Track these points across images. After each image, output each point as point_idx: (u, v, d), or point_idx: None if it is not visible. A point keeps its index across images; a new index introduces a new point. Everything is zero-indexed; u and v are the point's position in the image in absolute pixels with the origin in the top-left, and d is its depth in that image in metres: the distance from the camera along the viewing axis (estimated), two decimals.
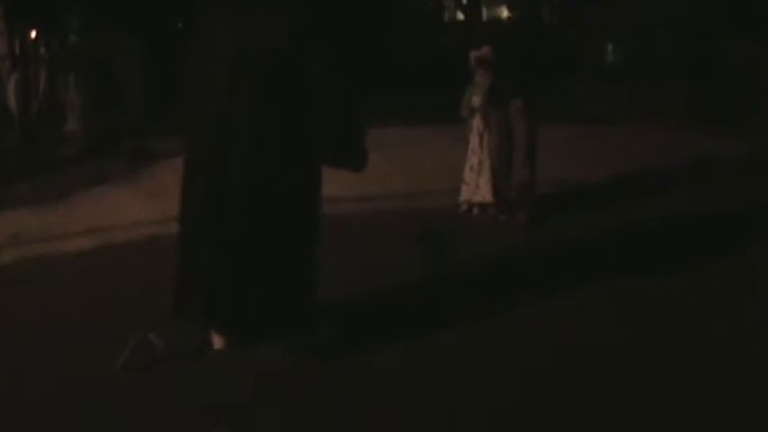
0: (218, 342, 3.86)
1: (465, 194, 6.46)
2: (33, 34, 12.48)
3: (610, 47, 17.38)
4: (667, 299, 4.48)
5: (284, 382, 3.60)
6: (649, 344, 3.92)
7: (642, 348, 3.87)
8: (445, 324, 4.15)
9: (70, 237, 5.97)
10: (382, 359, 3.77)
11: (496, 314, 4.29)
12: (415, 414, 3.30)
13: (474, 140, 6.39)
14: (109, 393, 3.52)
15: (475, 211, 6.42)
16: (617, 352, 3.83)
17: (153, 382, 3.61)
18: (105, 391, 3.54)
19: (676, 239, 5.63)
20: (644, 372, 3.62)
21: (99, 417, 3.33)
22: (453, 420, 3.25)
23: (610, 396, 3.42)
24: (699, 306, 4.37)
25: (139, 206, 6.77)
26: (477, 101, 6.32)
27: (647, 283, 4.71)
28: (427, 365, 3.73)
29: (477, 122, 6.36)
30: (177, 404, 3.42)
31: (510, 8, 6.73)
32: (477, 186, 6.36)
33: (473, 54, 6.29)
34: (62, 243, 5.84)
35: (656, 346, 3.90)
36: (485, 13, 18.43)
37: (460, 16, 19.62)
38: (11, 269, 5.38)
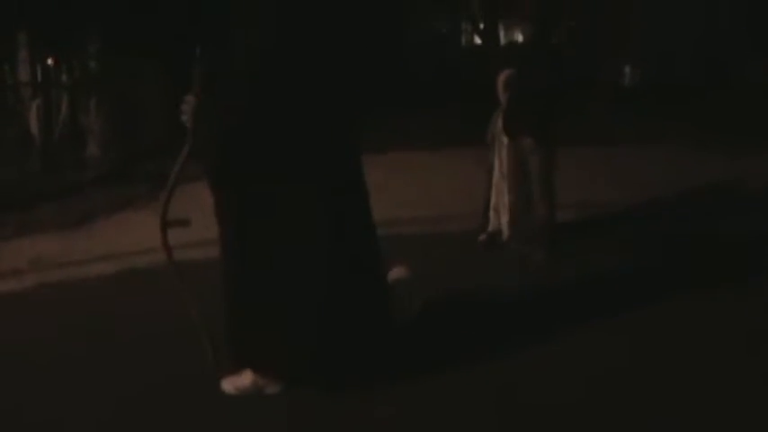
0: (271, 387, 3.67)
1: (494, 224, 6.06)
2: (53, 61, 12.66)
3: (627, 69, 17.38)
4: (686, 331, 4.31)
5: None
6: (671, 376, 3.79)
7: (663, 381, 3.73)
8: (458, 358, 4.01)
9: (91, 261, 5.98)
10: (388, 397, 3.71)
11: (508, 349, 4.10)
12: None
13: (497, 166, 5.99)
14: (130, 424, 3.49)
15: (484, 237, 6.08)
16: (638, 385, 3.70)
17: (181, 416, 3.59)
18: (127, 421, 3.50)
19: (700, 265, 5.47)
20: (659, 403, 3.55)
21: None
22: None
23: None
24: (722, 336, 4.23)
25: None
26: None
27: (665, 313, 4.53)
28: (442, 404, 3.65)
29: (497, 147, 5.97)
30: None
31: (524, 32, 6.32)
32: (497, 213, 6.02)
33: (501, 77, 5.88)
34: (83, 268, 5.85)
35: (676, 377, 3.77)
36: (502, 37, 18.47)
37: (477, 41, 19.71)
38: (32, 294, 5.38)
